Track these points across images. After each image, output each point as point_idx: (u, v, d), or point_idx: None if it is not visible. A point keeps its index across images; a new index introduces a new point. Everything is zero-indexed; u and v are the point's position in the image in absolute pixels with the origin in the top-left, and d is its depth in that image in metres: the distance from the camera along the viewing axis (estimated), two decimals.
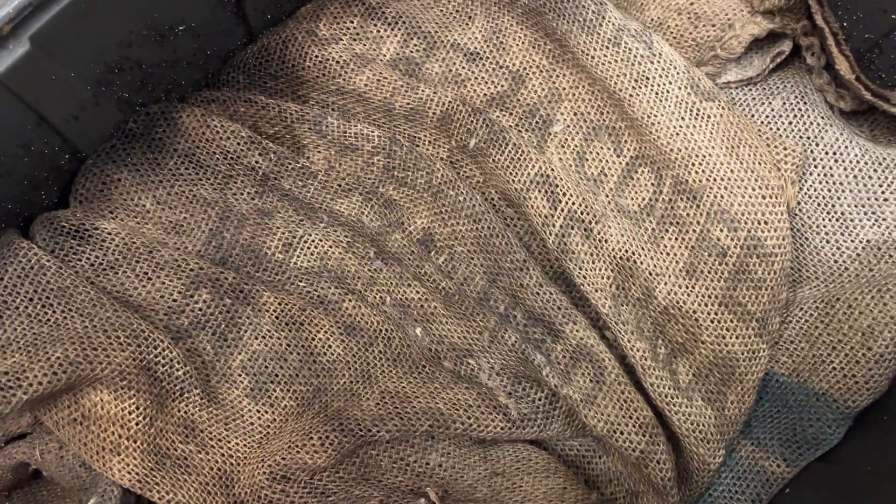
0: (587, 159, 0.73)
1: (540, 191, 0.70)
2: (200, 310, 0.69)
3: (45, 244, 0.67)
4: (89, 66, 0.64)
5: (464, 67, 0.77)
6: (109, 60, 0.66)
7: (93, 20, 0.60)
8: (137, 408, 0.65)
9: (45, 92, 0.61)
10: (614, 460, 0.72)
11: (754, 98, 0.76)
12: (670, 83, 0.70)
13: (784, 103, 0.75)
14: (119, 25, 0.64)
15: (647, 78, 0.70)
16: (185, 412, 0.67)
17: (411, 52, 0.78)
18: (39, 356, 0.62)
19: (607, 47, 0.71)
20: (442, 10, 0.79)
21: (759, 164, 0.68)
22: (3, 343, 0.63)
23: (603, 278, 0.69)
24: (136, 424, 0.65)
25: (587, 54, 0.72)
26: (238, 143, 0.73)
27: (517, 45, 0.77)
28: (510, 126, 0.74)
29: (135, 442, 0.65)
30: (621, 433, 0.66)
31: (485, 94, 0.76)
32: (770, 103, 0.75)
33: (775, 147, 0.70)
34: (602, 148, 0.73)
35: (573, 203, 0.70)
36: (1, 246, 0.66)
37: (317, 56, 0.77)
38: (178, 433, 0.67)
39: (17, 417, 0.68)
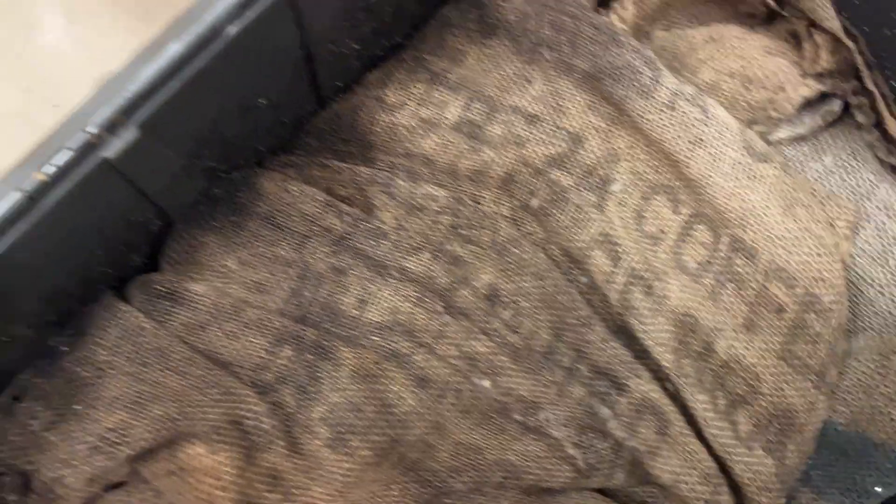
0: (645, 217, 0.76)
1: (602, 249, 0.74)
2: (284, 365, 0.74)
3: (141, 306, 0.73)
4: (184, 143, 0.70)
5: (524, 129, 0.81)
6: (199, 136, 0.71)
7: (191, 104, 0.66)
8: (230, 460, 0.69)
9: (147, 170, 0.67)
10: None
11: (805, 154, 0.79)
12: (725, 145, 0.73)
13: (835, 160, 0.78)
14: (211, 106, 0.69)
15: (703, 140, 0.74)
16: (271, 463, 0.72)
17: (473, 115, 0.82)
18: (142, 414, 0.67)
19: (663, 111, 0.75)
20: (501, 75, 0.84)
21: (814, 222, 0.71)
22: (109, 401, 0.68)
23: (664, 333, 0.72)
24: (228, 476, 0.69)
25: (644, 118, 0.76)
26: (315, 206, 0.78)
27: (574, 107, 0.81)
28: (570, 186, 0.78)
29: (227, 492, 0.69)
30: (686, 483, 0.69)
31: (544, 155, 0.80)
32: (822, 160, 0.79)
33: (829, 205, 0.73)
34: (660, 206, 0.76)
35: (634, 261, 0.73)
36: (102, 309, 0.71)
37: (385, 122, 0.82)
38: (264, 483, 0.71)
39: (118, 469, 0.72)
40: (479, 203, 0.81)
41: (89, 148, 0.60)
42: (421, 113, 0.82)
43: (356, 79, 0.86)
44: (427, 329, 0.77)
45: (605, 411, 0.71)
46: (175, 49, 0.61)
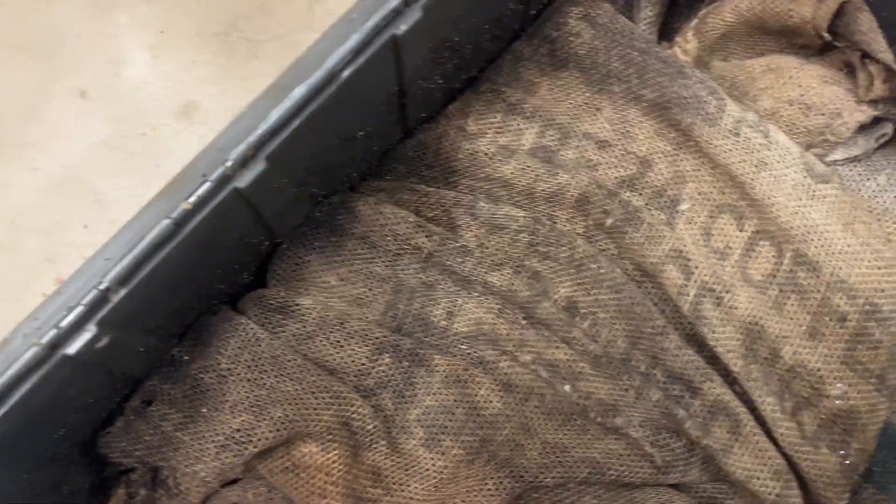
0: (713, 234, 0.83)
1: (674, 264, 0.81)
2: (384, 371, 0.81)
3: (256, 318, 0.81)
4: (297, 172, 0.78)
5: (595, 154, 0.88)
6: (309, 166, 0.79)
7: (306, 139, 0.73)
8: (339, 458, 0.76)
9: (268, 198, 0.75)
10: (747, 501, 0.81)
11: (860, 174, 0.85)
12: (787, 167, 0.80)
13: (888, 178, 0.84)
14: (321, 140, 0.77)
15: (766, 163, 0.80)
16: (373, 461, 0.79)
17: (547, 141, 0.89)
18: (264, 415, 0.75)
19: (728, 137, 0.82)
20: (572, 104, 0.91)
21: (873, 237, 0.77)
22: (232, 404, 0.76)
23: (733, 340, 0.79)
24: (338, 472, 0.77)
25: (710, 143, 0.82)
26: (406, 227, 0.86)
27: (643, 133, 0.87)
28: (641, 206, 0.85)
29: (337, 487, 0.76)
30: (758, 479, 0.75)
31: (616, 177, 0.87)
32: (875, 178, 0.84)
33: (885, 220, 0.79)
34: (725, 224, 0.83)
35: (704, 275, 0.80)
36: (222, 321, 0.79)
37: (467, 149, 0.89)
38: (368, 479, 0.79)
39: None
40: (554, 222, 0.88)
41: (226, 179, 0.68)
42: (499, 140, 0.90)
43: (439, 110, 0.93)
44: (510, 338, 0.84)
45: (681, 413, 0.77)
46: (300, 92, 0.69)
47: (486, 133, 0.90)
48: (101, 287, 0.66)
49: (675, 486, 0.82)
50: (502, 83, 0.93)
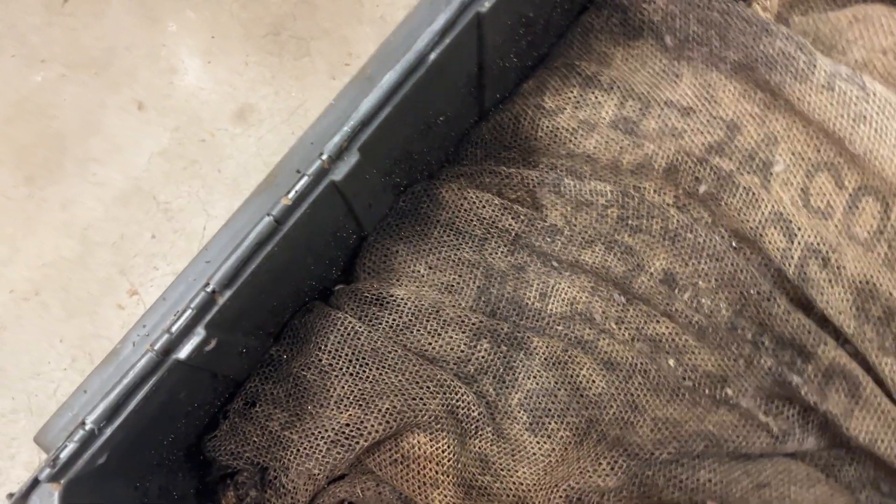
0: (812, 194, 0.80)
1: (775, 227, 0.78)
2: (483, 357, 0.80)
3: (353, 313, 0.80)
4: (384, 162, 0.77)
5: (679, 122, 0.86)
6: (394, 155, 0.78)
7: (394, 127, 0.72)
8: (448, 446, 0.75)
9: (359, 190, 0.74)
10: (865, 466, 0.78)
11: None
12: (888, 119, 0.77)
13: None
14: (406, 127, 0.76)
15: (865, 117, 0.77)
16: (480, 448, 0.78)
17: (628, 112, 0.87)
18: (371, 408, 0.74)
19: (822, 92, 0.79)
20: (650, 72, 0.89)
21: None
22: (337, 399, 0.75)
23: (844, 302, 0.76)
24: (448, 461, 0.76)
25: (803, 101, 0.80)
26: (492, 210, 0.84)
27: (728, 97, 0.85)
28: (733, 170, 0.82)
29: (448, 476, 0.76)
30: (882, 441, 0.73)
31: (703, 144, 0.84)
32: None
33: None
34: (824, 182, 0.80)
35: (808, 236, 0.77)
36: (319, 318, 0.79)
37: (547, 126, 0.88)
38: (476, 466, 0.78)
39: None
40: (643, 194, 0.86)
41: (322, 173, 0.68)
42: (579, 115, 0.88)
43: (513, 90, 0.92)
44: (606, 315, 0.82)
45: (795, 379, 0.75)
46: (390, 79, 0.68)
47: (565, 108, 0.88)
48: (208, 289, 0.65)
49: (790, 456, 0.80)
50: (575, 56, 0.91)
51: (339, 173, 0.69)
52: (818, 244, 0.77)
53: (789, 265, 0.77)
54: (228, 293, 0.67)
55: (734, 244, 0.82)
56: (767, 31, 0.82)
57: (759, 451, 0.75)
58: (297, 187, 0.67)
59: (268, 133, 1.33)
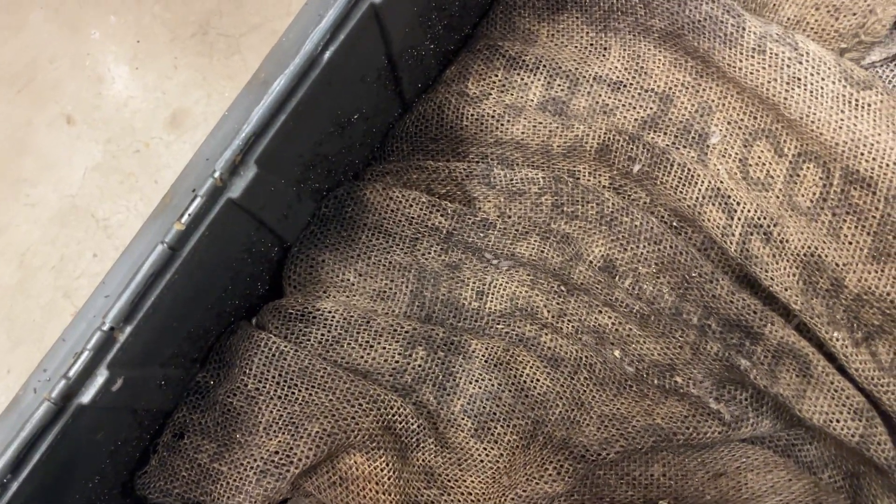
0: (750, 165, 0.76)
1: (713, 204, 0.74)
2: (420, 366, 0.76)
3: (277, 331, 0.76)
4: (294, 170, 0.72)
5: (610, 97, 0.81)
6: (306, 161, 0.74)
7: (298, 133, 0.68)
8: (387, 464, 0.72)
9: (266, 202, 0.69)
10: (826, 444, 0.75)
11: None
12: (823, 79, 0.72)
13: None
14: (314, 131, 0.71)
15: (799, 79, 0.73)
16: (424, 461, 0.74)
17: (556, 92, 0.83)
18: (301, 433, 0.70)
19: (752, 56, 0.74)
20: (576, 47, 0.84)
21: None
22: (265, 425, 0.71)
23: (790, 276, 0.72)
24: (388, 479, 0.72)
25: (734, 66, 0.75)
26: (420, 208, 0.80)
27: (658, 67, 0.80)
28: (668, 146, 0.78)
29: (389, 495, 0.72)
30: (837, 421, 0.69)
31: (635, 120, 0.80)
32: None
33: None
34: (763, 151, 0.76)
35: (748, 210, 0.73)
36: (242, 339, 0.75)
37: (472, 114, 0.83)
38: (420, 481, 0.74)
39: None
40: (577, 178, 0.82)
41: (217, 192, 0.63)
42: (505, 99, 0.83)
43: (435, 77, 0.87)
44: (548, 309, 0.78)
45: (743, 362, 0.71)
46: (281, 84, 0.63)
47: (490, 94, 0.83)
48: (105, 328, 0.61)
49: (747, 441, 0.76)
50: (498, 37, 0.86)
51: (235, 190, 0.64)
52: (759, 218, 0.73)
53: (731, 243, 0.73)
54: (129, 328, 0.63)
55: (674, 224, 0.78)
56: None
57: (710, 440, 0.72)
58: (191, 210, 0.62)
59: (204, 138, 1.27)
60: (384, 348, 0.76)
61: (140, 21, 1.33)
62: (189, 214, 0.62)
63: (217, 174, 0.62)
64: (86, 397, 0.62)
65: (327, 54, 0.65)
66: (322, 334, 0.76)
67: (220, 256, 0.69)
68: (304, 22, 0.66)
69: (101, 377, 0.62)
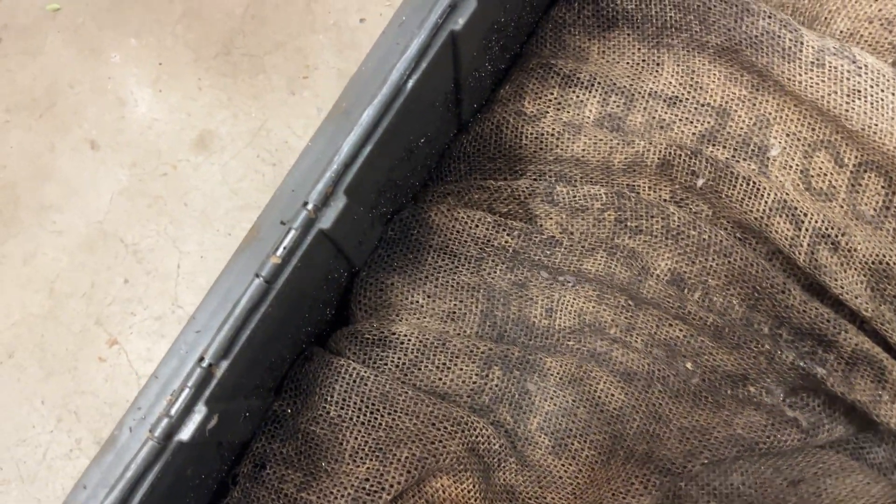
0: (812, 176, 0.77)
1: (781, 216, 0.76)
2: (497, 386, 0.77)
3: (355, 357, 0.76)
4: (370, 197, 0.72)
5: (666, 112, 0.82)
6: (379, 188, 0.74)
7: (378, 160, 0.68)
8: (474, 485, 0.72)
9: (349, 231, 0.70)
10: (895, 446, 0.77)
11: None
12: (883, 91, 0.74)
13: None
14: (391, 157, 0.71)
15: (859, 91, 0.74)
16: (505, 480, 0.75)
17: (612, 108, 0.84)
18: (390, 458, 0.70)
19: (812, 70, 0.76)
20: (629, 63, 0.85)
21: None
22: (351, 453, 0.71)
23: (859, 284, 0.74)
24: (475, 500, 0.73)
25: (793, 80, 0.77)
26: (485, 228, 0.81)
27: (713, 82, 0.82)
28: (729, 159, 0.79)
29: None
30: None
31: (693, 134, 0.81)
32: None
33: None
34: (823, 162, 0.77)
35: (815, 221, 0.75)
36: (321, 366, 0.75)
37: (531, 133, 0.84)
38: (503, 500, 0.75)
39: None
40: (639, 193, 0.83)
41: (310, 223, 0.63)
42: (562, 117, 0.84)
43: (489, 97, 0.87)
44: (616, 324, 0.79)
45: (819, 371, 0.73)
46: (369, 114, 0.63)
47: (547, 112, 0.84)
48: (204, 364, 0.61)
49: (821, 446, 0.78)
50: (550, 55, 0.87)
51: (326, 221, 0.64)
52: (826, 228, 0.74)
53: (799, 253, 0.75)
54: (225, 364, 0.62)
55: (738, 236, 0.80)
56: (748, 10, 0.78)
57: (791, 447, 0.73)
58: (286, 242, 0.62)
59: (232, 159, 1.27)
60: (461, 369, 0.76)
61: (162, 42, 1.32)
62: (284, 248, 0.62)
63: (311, 206, 0.62)
64: (185, 434, 0.61)
65: (410, 83, 0.65)
66: (399, 358, 0.76)
67: (305, 286, 0.69)
68: (384, 51, 0.66)
69: (199, 414, 0.62)
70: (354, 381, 0.73)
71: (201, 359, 0.61)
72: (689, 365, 0.77)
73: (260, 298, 0.62)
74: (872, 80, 0.75)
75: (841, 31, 0.80)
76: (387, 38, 0.67)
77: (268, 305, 0.63)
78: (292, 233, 0.62)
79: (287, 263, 0.63)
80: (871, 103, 0.74)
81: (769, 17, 0.78)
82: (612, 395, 0.77)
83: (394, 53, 0.65)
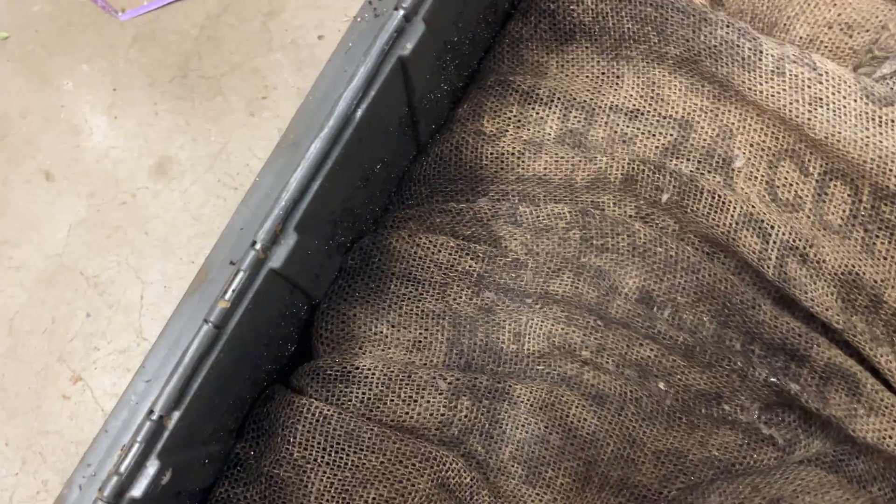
0: (778, 186, 0.76)
1: (748, 229, 0.74)
2: (466, 416, 0.74)
3: (317, 394, 0.73)
4: (325, 229, 0.70)
5: (628, 126, 0.81)
6: (336, 217, 0.71)
7: (330, 192, 0.66)
8: None
9: (303, 267, 0.67)
10: (874, 458, 0.75)
11: None
12: (845, 98, 0.73)
13: None
14: (344, 187, 0.69)
15: (821, 99, 0.73)
16: None
17: (573, 124, 0.82)
18: (357, 500, 0.68)
19: (772, 78, 0.74)
20: (589, 76, 0.83)
21: None
22: (317, 495, 0.69)
23: (829, 296, 0.73)
24: None
25: (753, 90, 0.75)
26: (449, 253, 0.78)
27: (674, 93, 0.80)
28: (693, 172, 0.78)
29: None
30: (890, 437, 0.70)
31: (657, 147, 0.80)
32: None
33: None
34: (788, 172, 0.76)
35: (783, 233, 0.73)
36: (282, 406, 0.72)
37: (491, 153, 0.82)
38: None
39: None
40: (603, 210, 0.81)
41: (259, 263, 0.60)
42: (523, 135, 0.82)
43: (448, 115, 0.85)
44: (586, 346, 0.77)
45: (793, 386, 0.71)
46: (317, 147, 0.61)
47: (506, 130, 0.82)
48: (154, 417, 0.58)
49: (798, 462, 0.76)
50: (507, 71, 0.85)
51: (277, 259, 0.62)
52: (794, 240, 0.73)
53: (768, 267, 0.73)
54: (177, 414, 0.60)
55: (706, 251, 0.78)
56: (706, 20, 0.77)
57: (769, 465, 0.72)
58: (234, 285, 0.60)
59: (192, 185, 1.23)
60: (428, 402, 0.74)
61: (115, 68, 1.28)
62: (233, 291, 0.59)
63: (259, 246, 0.60)
64: (137, 491, 0.59)
65: (360, 111, 0.63)
66: (363, 393, 0.74)
67: (259, 325, 0.67)
68: (331, 80, 0.64)
69: (152, 468, 0.59)
70: (317, 421, 0.71)
71: (151, 411, 0.58)
72: (661, 385, 0.75)
73: (210, 345, 0.59)
74: (834, 87, 0.73)
75: (801, 38, 0.79)
76: (334, 66, 0.65)
77: (219, 351, 0.61)
78: (241, 274, 0.59)
79: (237, 306, 0.60)
80: (834, 111, 0.73)
81: (727, 27, 0.76)
82: (585, 419, 0.75)
83: (341, 82, 0.63)
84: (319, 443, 0.70)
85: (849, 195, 0.74)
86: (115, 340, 1.19)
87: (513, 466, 0.75)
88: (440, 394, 0.74)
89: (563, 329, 0.78)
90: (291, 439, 0.71)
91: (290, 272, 0.65)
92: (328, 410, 0.71)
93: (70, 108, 1.28)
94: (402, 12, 0.63)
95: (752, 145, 0.77)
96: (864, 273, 0.72)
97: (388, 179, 0.81)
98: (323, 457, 0.70)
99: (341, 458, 0.70)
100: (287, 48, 1.28)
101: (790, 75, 0.74)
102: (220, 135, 1.26)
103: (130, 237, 1.22)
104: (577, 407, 0.75)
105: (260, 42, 1.29)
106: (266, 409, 0.73)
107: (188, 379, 0.59)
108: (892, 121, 0.72)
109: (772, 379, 0.72)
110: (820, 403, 0.71)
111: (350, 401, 0.74)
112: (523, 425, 0.75)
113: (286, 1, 1.29)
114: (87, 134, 1.27)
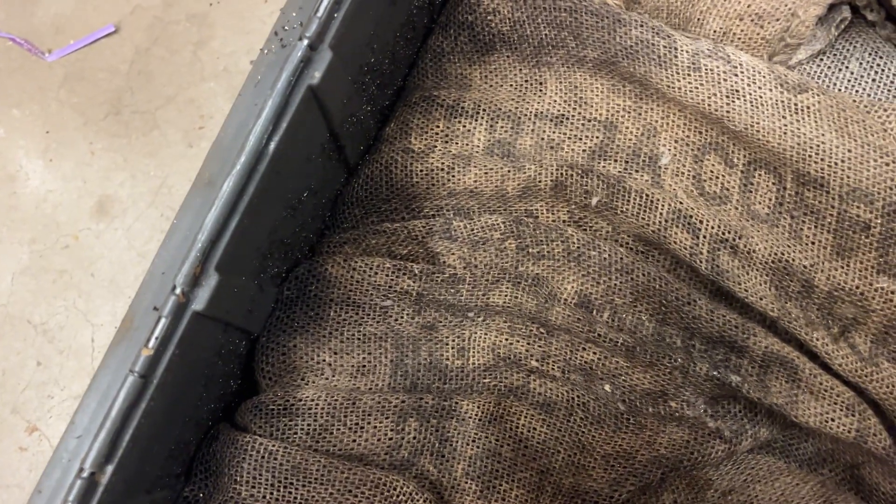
0: (705, 180, 0.76)
1: (678, 226, 0.74)
2: (414, 438, 0.74)
3: (262, 430, 0.72)
4: (252, 263, 0.69)
5: (554, 132, 0.81)
6: (263, 251, 0.71)
7: (252, 227, 0.65)
8: None
9: (231, 305, 0.66)
10: (822, 440, 0.76)
11: (829, 67, 0.80)
12: (760, 88, 0.73)
13: (860, 63, 0.78)
14: (268, 220, 0.68)
15: (737, 91, 0.74)
16: None
17: (500, 134, 0.82)
18: None
19: (689, 74, 0.75)
20: (512, 85, 0.83)
21: (871, 134, 0.71)
22: None
23: (762, 285, 0.73)
24: None
25: (672, 87, 0.76)
26: (386, 275, 0.78)
27: (597, 96, 0.80)
28: (621, 173, 0.78)
29: None
30: (832, 420, 0.71)
31: (584, 150, 0.80)
32: (847, 67, 0.79)
33: (875, 111, 0.73)
34: (714, 165, 0.76)
35: (712, 227, 0.74)
36: (227, 445, 0.71)
37: (421, 170, 0.81)
38: None
39: None
40: (536, 217, 0.81)
41: (182, 308, 0.60)
42: (451, 149, 0.82)
43: (375, 136, 0.85)
44: (531, 354, 0.77)
45: (734, 378, 0.72)
46: (229, 185, 0.60)
47: (435, 146, 0.82)
48: (85, 474, 0.57)
49: (749, 451, 0.77)
50: (432, 86, 0.85)
51: (200, 302, 0.61)
52: (724, 232, 0.74)
53: (700, 261, 0.74)
54: (111, 468, 0.59)
55: (640, 250, 0.78)
56: (620, 21, 0.77)
57: (716, 460, 0.72)
58: (157, 332, 0.59)
59: (135, 221, 1.22)
60: (375, 427, 0.73)
61: (46, 110, 1.26)
62: (156, 338, 0.58)
63: (179, 290, 0.59)
64: None
65: (272, 145, 0.62)
66: (308, 425, 0.73)
67: (192, 368, 0.66)
68: (242, 114, 0.63)
69: None
70: (263, 457, 0.70)
71: (81, 469, 0.57)
72: (607, 387, 0.76)
73: (138, 395, 0.59)
74: (749, 78, 0.74)
75: (714, 31, 0.79)
76: (244, 100, 0.64)
77: (148, 400, 0.60)
78: (163, 321, 0.58)
79: (163, 353, 0.59)
80: (751, 102, 0.74)
81: (641, 26, 0.77)
82: (535, 428, 0.75)
83: (251, 116, 0.62)
84: (267, 479, 0.70)
85: (773, 184, 0.75)
86: (68, 387, 1.17)
87: (466, 483, 0.74)
88: (386, 418, 0.74)
89: (506, 339, 0.78)
90: (238, 478, 0.70)
91: (216, 312, 0.64)
92: (273, 446, 0.70)
93: (3, 155, 1.25)
94: (306, 42, 0.62)
95: (676, 141, 0.78)
96: (793, 259, 0.73)
97: (319, 205, 0.80)
98: (272, 493, 0.69)
99: (290, 492, 0.69)
100: (220, 76, 1.27)
101: (706, 70, 0.75)
102: (160, 169, 1.24)
103: (76, 280, 1.20)
104: (525, 417, 0.75)
105: (192, 72, 1.27)
106: (212, 450, 0.72)
107: (118, 432, 0.58)
108: (808, 107, 0.73)
109: (713, 372, 0.73)
110: (761, 393, 0.71)
111: (295, 434, 0.73)
112: (474, 440, 0.75)
113: (215, 29, 1.28)
114: (23, 180, 1.25)
